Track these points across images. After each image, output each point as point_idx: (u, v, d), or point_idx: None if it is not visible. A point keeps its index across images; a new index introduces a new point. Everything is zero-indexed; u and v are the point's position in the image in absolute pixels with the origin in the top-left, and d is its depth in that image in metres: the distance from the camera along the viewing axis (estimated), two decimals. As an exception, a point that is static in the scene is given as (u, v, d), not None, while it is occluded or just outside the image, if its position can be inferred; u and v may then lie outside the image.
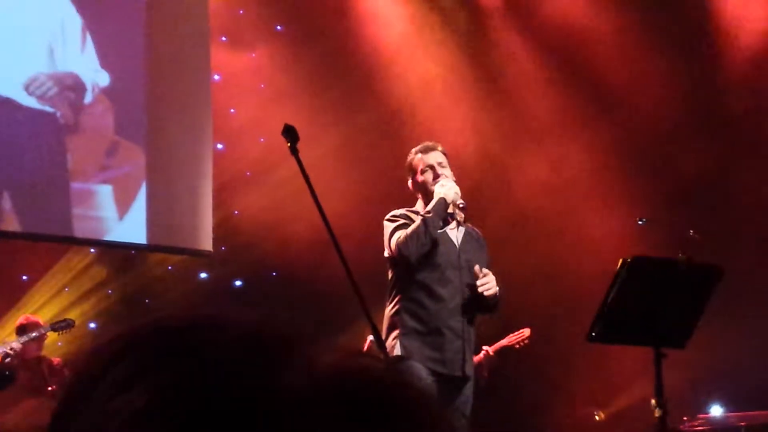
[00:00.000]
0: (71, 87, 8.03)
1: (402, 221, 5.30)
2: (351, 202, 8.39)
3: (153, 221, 8.22)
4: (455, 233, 5.40)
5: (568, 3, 9.57)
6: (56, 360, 7.56)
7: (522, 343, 6.42)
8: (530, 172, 9.46)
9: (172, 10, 8.63)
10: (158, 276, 9.30)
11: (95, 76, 8.15)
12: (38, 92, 7.86)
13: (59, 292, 8.98)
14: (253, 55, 9.66)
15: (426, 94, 9.63)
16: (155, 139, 8.33)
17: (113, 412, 0.64)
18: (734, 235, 8.60)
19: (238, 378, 0.64)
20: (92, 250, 9.03)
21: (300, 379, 0.65)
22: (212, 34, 9.00)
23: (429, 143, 5.53)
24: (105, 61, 8.20)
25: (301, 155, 4.29)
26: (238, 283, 9.64)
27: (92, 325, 8.98)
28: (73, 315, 8.26)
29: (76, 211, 7.95)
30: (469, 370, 5.31)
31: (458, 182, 5.42)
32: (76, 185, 8.00)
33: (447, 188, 5.29)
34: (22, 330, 7.33)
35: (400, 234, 5.20)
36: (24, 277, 9.03)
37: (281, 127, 4.37)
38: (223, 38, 9.47)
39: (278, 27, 9.71)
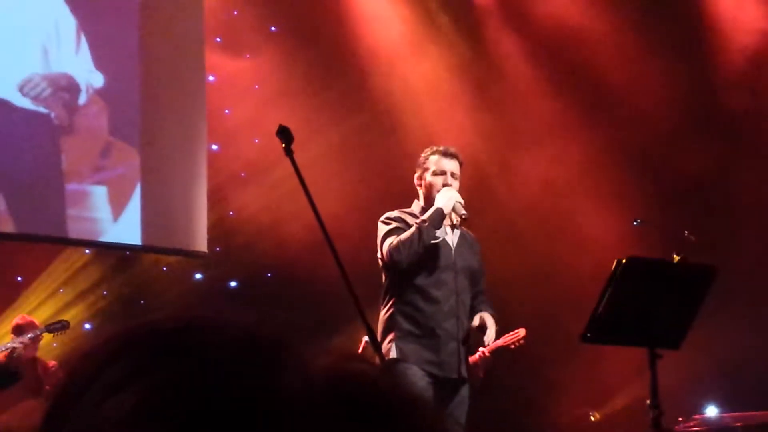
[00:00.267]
0: (65, 88, 8.02)
1: (395, 225, 5.29)
2: (346, 203, 8.39)
3: (148, 222, 8.21)
4: (450, 236, 5.40)
5: (567, 3, 9.56)
6: (51, 363, 7.54)
7: (517, 344, 6.41)
8: (527, 173, 9.46)
9: (166, 11, 8.62)
10: (153, 277, 9.29)
11: (89, 77, 8.14)
12: (32, 93, 7.85)
13: (54, 293, 8.97)
14: (248, 56, 9.66)
15: (422, 94, 9.62)
16: (150, 140, 8.32)
17: (107, 413, 0.64)
18: (729, 236, 8.61)
19: (233, 379, 0.64)
20: (87, 251, 9.02)
21: (295, 382, 0.65)
22: (207, 35, 8.99)
23: (452, 149, 5.47)
24: (99, 62, 8.19)
25: (295, 156, 4.28)
26: (233, 284, 9.63)
27: (87, 326, 8.97)
28: (68, 316, 8.24)
29: (71, 212, 7.94)
30: (465, 372, 5.31)
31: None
32: (70, 186, 7.99)
33: (447, 199, 5.26)
34: (18, 330, 7.33)
35: (393, 239, 5.19)
36: (19, 278, 9.02)
37: (276, 128, 4.36)
38: (218, 39, 9.47)
39: (273, 28, 9.71)
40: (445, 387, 5.20)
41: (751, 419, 7.42)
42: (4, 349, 7.12)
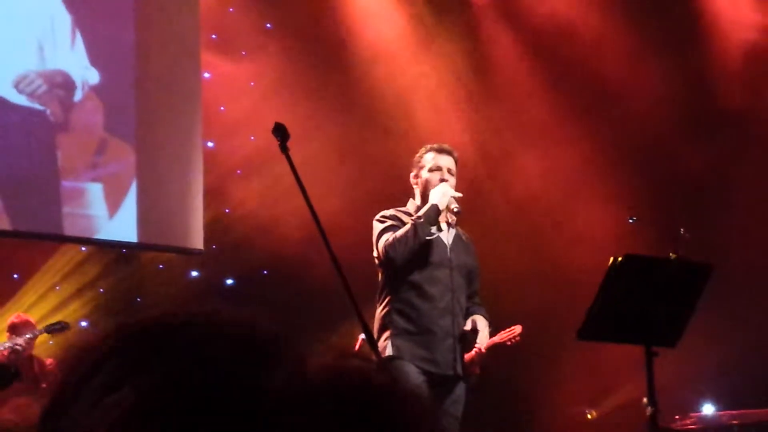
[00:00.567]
0: (61, 84, 8.01)
1: (390, 222, 5.30)
2: (342, 201, 8.39)
3: (143, 219, 8.20)
4: (446, 234, 5.41)
5: (563, 1, 9.56)
6: (49, 361, 7.54)
7: (513, 341, 6.41)
8: (523, 170, 9.47)
9: (162, 8, 8.61)
10: (149, 274, 9.29)
11: (85, 73, 8.13)
12: (28, 90, 7.83)
13: (50, 290, 8.97)
14: (244, 53, 9.65)
15: (419, 92, 9.62)
16: (145, 136, 8.31)
17: (103, 410, 0.64)
18: (726, 234, 8.61)
19: (229, 378, 0.64)
20: (83, 249, 9.01)
21: (291, 380, 0.65)
22: (203, 31, 8.98)
23: (446, 146, 5.52)
24: (95, 59, 8.18)
25: (291, 153, 4.28)
26: (229, 281, 9.63)
27: (84, 323, 8.96)
28: (64, 313, 8.24)
29: (67, 209, 7.93)
30: (461, 369, 5.31)
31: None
32: (66, 183, 7.98)
33: (441, 195, 5.27)
34: (13, 328, 7.32)
35: (389, 236, 5.20)
36: (15, 276, 9.02)
37: (271, 125, 4.36)
38: (214, 36, 9.46)
39: (268, 25, 9.70)
40: (441, 384, 5.21)
41: (747, 417, 7.43)
42: (2, 348, 7.12)
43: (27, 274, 8.97)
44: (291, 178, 4.23)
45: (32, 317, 7.68)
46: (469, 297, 5.45)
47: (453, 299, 5.31)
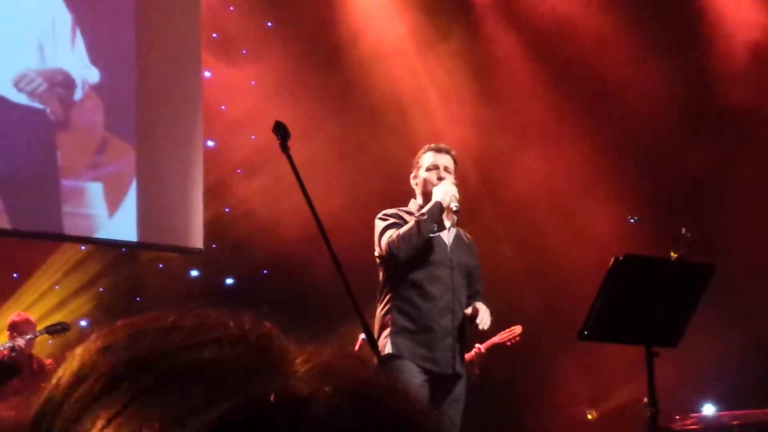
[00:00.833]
0: (61, 83, 8.01)
1: (393, 220, 5.31)
2: (343, 200, 8.39)
3: (143, 219, 8.20)
4: (446, 234, 5.41)
5: (566, 1, 9.56)
6: (48, 361, 7.54)
7: (513, 341, 6.42)
8: (525, 170, 9.46)
9: (163, 7, 8.61)
10: (149, 274, 9.29)
11: (85, 72, 8.12)
12: (28, 89, 7.83)
13: (50, 289, 8.97)
14: (244, 52, 9.65)
15: (420, 91, 9.62)
16: (146, 136, 8.31)
17: (96, 412, 0.63)
18: (727, 234, 8.60)
19: (224, 380, 0.63)
20: (83, 248, 9.01)
21: (288, 381, 0.64)
22: (203, 30, 8.98)
23: (443, 145, 5.57)
24: (95, 58, 8.18)
25: (292, 152, 4.28)
26: (229, 281, 9.63)
27: (83, 322, 8.96)
28: (64, 312, 8.24)
29: (67, 208, 7.93)
30: (461, 368, 5.31)
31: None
32: (66, 182, 7.97)
33: (444, 192, 5.28)
34: (14, 327, 7.32)
35: (392, 233, 5.21)
36: (14, 275, 9.02)
37: (272, 125, 4.36)
38: (214, 35, 9.46)
39: (269, 24, 9.70)
40: (441, 383, 5.21)
41: (748, 418, 7.42)
42: (3, 348, 7.12)
43: (27, 273, 8.98)
44: (291, 177, 4.23)
45: (32, 316, 7.67)
46: (470, 298, 5.44)
47: (453, 298, 5.31)
